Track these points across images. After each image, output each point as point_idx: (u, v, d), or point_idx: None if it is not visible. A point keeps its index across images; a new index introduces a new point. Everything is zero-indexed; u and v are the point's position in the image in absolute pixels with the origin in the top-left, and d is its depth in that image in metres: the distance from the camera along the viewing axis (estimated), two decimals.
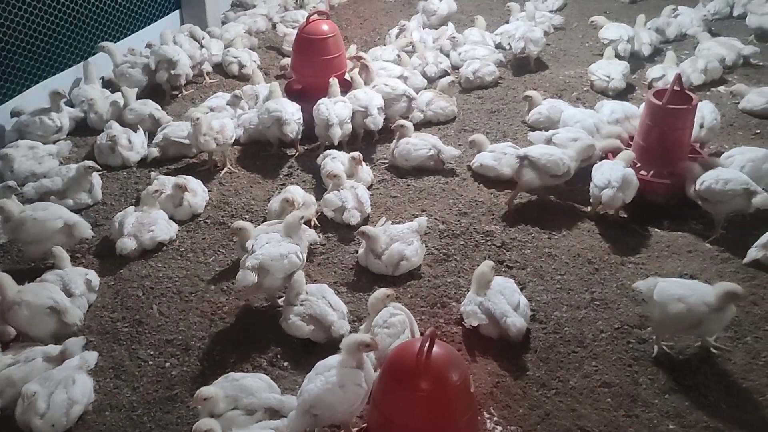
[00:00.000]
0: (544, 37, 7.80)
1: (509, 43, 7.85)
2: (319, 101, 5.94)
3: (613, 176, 4.98)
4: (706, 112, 5.75)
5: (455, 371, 2.97)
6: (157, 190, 5.12)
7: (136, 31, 7.91)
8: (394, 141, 5.94)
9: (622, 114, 5.97)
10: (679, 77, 5.25)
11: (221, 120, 5.82)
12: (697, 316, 3.87)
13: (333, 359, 3.37)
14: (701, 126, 5.66)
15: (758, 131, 6.42)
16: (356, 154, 5.51)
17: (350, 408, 3.32)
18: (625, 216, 5.29)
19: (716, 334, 4.12)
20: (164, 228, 5.01)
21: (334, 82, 6.05)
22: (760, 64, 7.58)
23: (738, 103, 6.74)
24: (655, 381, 3.95)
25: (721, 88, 7.15)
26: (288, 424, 3.38)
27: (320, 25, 6.32)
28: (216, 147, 5.73)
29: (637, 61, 7.79)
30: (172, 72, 6.92)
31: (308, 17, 6.39)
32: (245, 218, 5.30)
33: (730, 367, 4.00)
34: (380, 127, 6.17)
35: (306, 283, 4.29)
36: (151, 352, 4.16)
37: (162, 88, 7.05)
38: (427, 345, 2.96)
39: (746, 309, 4.39)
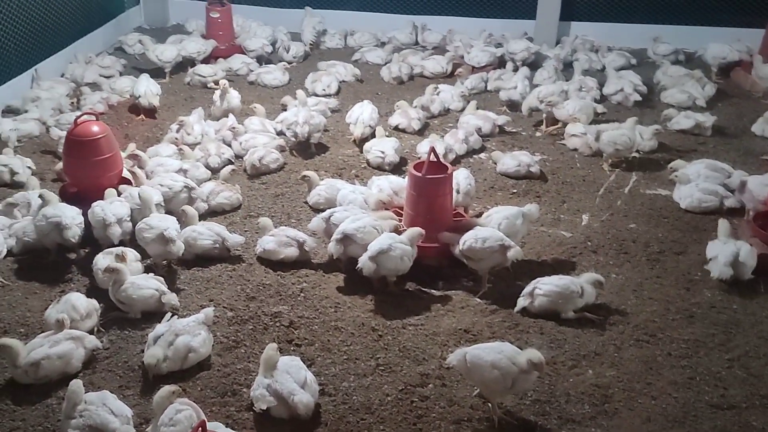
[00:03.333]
0: (323, 122, 8.22)
1: (290, 128, 8.14)
2: (94, 204, 5.84)
3: (372, 246, 5.34)
4: (460, 178, 6.33)
5: None
6: None
7: None
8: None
9: (389, 190, 6.41)
10: (433, 149, 5.77)
11: None
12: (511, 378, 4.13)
13: None
14: (458, 191, 6.21)
15: (515, 191, 7.15)
16: (119, 250, 5.42)
17: None
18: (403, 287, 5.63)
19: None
20: None
21: (109, 192, 6.00)
22: (513, 130, 8.48)
23: (496, 166, 7.49)
24: None
25: (482, 155, 7.89)
26: None
27: (90, 127, 6.25)
28: None
29: (409, 135, 8.45)
30: None
31: (76, 120, 6.30)
32: (20, 332, 5.04)
33: (501, 409, 4.35)
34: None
35: (87, 392, 4.16)
36: None
37: None
38: None
39: None
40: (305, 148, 8.02)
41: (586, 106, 8.40)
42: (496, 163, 7.54)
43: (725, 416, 4.32)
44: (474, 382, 4.39)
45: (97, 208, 5.80)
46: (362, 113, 8.22)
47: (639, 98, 9.28)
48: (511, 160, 7.39)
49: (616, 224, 6.52)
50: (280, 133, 8.28)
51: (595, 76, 9.89)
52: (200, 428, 2.96)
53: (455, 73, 10.19)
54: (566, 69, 10.25)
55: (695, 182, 6.76)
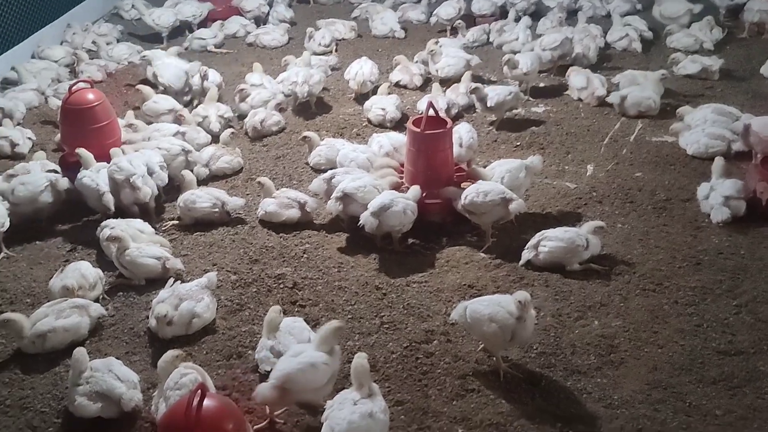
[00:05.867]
0: (323, 79, 8.11)
1: (290, 89, 8.03)
2: (79, 174, 5.81)
3: (374, 202, 5.29)
4: (462, 132, 6.24)
5: (228, 421, 3.02)
6: None
7: None
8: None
9: (390, 146, 6.34)
10: (431, 104, 5.68)
11: None
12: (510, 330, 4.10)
13: None
14: (460, 145, 6.12)
15: (518, 143, 7.06)
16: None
17: None
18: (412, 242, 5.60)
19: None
20: None
21: (81, 152, 5.92)
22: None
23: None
24: (443, 390, 4.21)
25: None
26: None
27: (85, 95, 6.19)
28: None
29: (411, 91, 8.34)
30: None
31: (70, 88, 6.24)
32: (26, 303, 5.06)
33: (505, 362, 4.34)
34: (166, 183, 6.10)
35: (93, 359, 4.18)
36: None
37: None
38: (196, 399, 2.99)
39: None
40: (306, 108, 7.93)
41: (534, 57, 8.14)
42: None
43: (732, 362, 4.30)
44: (475, 336, 4.37)
45: (86, 178, 5.78)
46: (361, 68, 8.10)
47: (639, 48, 9.10)
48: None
49: (622, 173, 6.43)
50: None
51: (600, 23, 9.67)
52: (199, 390, 2.96)
53: (455, 25, 9.99)
54: (570, 18, 10.02)
55: (701, 127, 6.64)
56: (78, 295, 4.85)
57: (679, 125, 6.83)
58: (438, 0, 10.78)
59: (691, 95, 7.83)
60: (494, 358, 4.33)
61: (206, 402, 3.00)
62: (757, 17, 9.34)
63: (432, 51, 8.30)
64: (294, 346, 4.11)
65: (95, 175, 5.78)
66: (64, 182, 5.92)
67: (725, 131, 6.55)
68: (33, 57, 9.47)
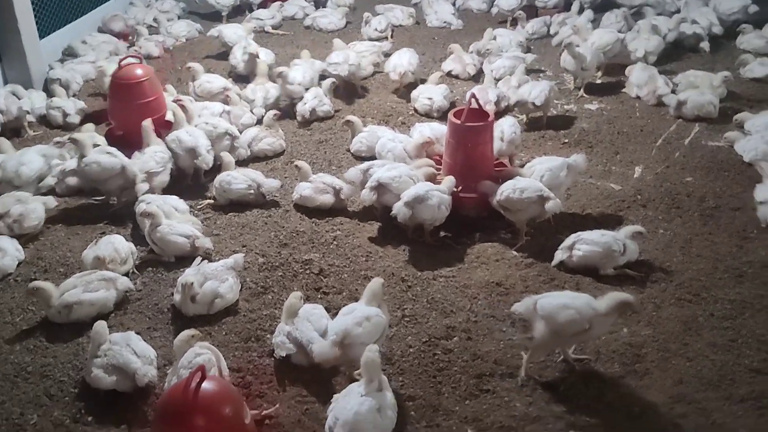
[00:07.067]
0: (365, 64, 8.04)
1: (336, 71, 7.97)
2: (173, 132, 6.05)
3: (408, 193, 5.19)
4: (505, 126, 6.08)
5: (225, 404, 3.01)
6: None
7: None
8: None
9: (431, 135, 6.21)
10: (473, 96, 5.54)
11: None
12: (587, 319, 3.99)
13: None
14: (501, 140, 5.97)
15: (566, 140, 6.86)
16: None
17: None
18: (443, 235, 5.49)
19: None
20: None
21: (146, 124, 6.01)
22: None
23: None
24: (457, 389, 4.12)
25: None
26: None
27: (134, 70, 6.29)
28: None
29: (463, 81, 8.21)
30: None
31: (120, 62, 6.35)
32: (59, 272, 5.18)
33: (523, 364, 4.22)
34: (210, 166, 6.16)
35: (115, 332, 4.25)
36: None
37: None
38: (194, 381, 2.99)
39: None
40: (352, 94, 7.88)
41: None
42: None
43: (765, 381, 4.07)
44: (539, 329, 4.11)
45: (182, 134, 6.06)
46: (400, 59, 7.93)
47: (707, 47, 8.72)
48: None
49: (671, 177, 6.17)
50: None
51: (671, 17, 9.28)
52: (198, 372, 2.96)
53: (515, 15, 9.77)
54: (636, 15, 9.66)
55: (762, 134, 6.31)
56: (108, 268, 4.93)
57: (734, 134, 6.49)
58: None
59: (756, 99, 7.47)
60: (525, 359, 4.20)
61: (205, 384, 3.00)
62: None
63: (488, 50, 8.10)
64: (345, 307, 4.25)
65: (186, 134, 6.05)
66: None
67: None
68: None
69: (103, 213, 5.90)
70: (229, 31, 8.96)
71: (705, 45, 8.76)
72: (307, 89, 7.54)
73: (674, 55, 8.66)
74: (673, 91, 7.39)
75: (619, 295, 4.11)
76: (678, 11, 9.75)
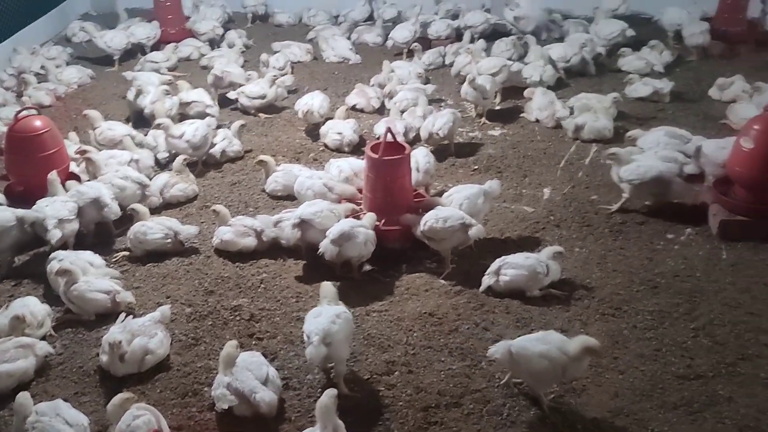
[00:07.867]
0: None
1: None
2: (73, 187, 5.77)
3: (333, 230, 5.22)
4: (419, 157, 6.21)
5: None
6: None
7: None
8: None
9: (350, 171, 6.26)
10: (389, 130, 5.63)
11: None
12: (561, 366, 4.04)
13: None
14: (417, 170, 6.09)
15: (476, 167, 7.06)
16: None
17: None
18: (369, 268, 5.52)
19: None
20: None
21: (52, 176, 5.74)
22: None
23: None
24: (405, 424, 4.12)
25: None
26: None
27: (32, 122, 6.00)
28: None
29: (368, 114, 8.31)
30: None
31: (16, 115, 6.05)
32: None
33: (469, 394, 4.29)
34: (119, 215, 5.93)
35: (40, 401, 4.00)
36: None
37: None
38: None
39: (478, 335, 4.76)
40: (262, 133, 7.84)
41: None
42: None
43: (692, 386, 4.30)
44: (520, 374, 4.24)
45: (83, 187, 5.82)
46: (312, 100, 7.91)
47: (593, 70, 9.25)
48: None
49: (578, 196, 6.47)
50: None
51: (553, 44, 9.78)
52: None
53: (411, 48, 10.01)
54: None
55: (654, 150, 6.71)
56: (25, 333, 4.65)
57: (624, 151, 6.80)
58: (393, 23, 10.82)
59: (643, 118, 7.95)
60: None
61: None
62: (700, 39, 9.57)
63: (390, 93, 8.23)
64: (312, 310, 4.42)
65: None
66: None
67: (677, 154, 6.60)
68: None
69: (8, 272, 5.58)
70: (145, 77, 8.67)
71: (591, 68, 9.27)
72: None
73: (562, 79, 9.09)
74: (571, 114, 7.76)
75: (585, 339, 4.16)
76: (561, 38, 10.25)
